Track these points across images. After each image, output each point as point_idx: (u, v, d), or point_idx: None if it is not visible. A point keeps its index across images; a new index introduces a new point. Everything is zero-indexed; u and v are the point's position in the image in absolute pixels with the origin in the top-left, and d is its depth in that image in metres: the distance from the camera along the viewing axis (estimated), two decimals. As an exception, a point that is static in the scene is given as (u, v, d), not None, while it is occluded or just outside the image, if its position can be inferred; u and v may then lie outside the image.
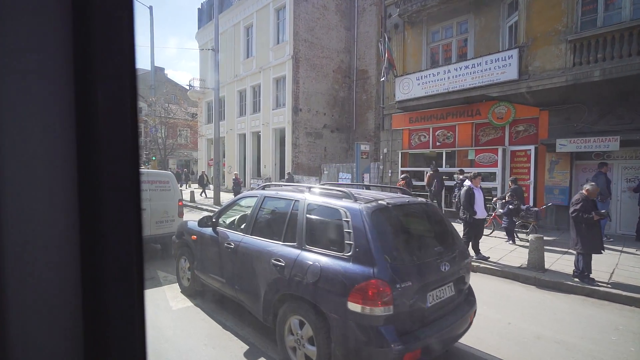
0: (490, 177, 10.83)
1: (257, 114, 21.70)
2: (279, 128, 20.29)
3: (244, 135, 23.04)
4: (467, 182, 7.05)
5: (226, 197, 18.54)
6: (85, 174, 0.60)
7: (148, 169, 35.12)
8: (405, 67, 13.36)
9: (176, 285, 5.30)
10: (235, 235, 4.05)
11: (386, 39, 12.69)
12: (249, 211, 4.25)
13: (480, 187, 7.13)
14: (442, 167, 12.01)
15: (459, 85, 10.89)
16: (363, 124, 21.66)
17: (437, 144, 12.70)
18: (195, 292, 4.90)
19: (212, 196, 16.93)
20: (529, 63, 9.57)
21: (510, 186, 8.85)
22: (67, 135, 0.59)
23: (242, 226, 4.14)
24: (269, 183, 4.58)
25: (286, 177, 17.74)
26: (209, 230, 4.48)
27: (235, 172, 17.62)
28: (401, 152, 13.54)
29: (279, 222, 3.70)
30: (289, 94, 19.17)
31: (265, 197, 4.02)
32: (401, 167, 13.49)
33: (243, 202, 4.61)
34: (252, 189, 19.01)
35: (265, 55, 20.78)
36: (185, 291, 5.05)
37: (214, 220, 4.49)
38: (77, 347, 0.60)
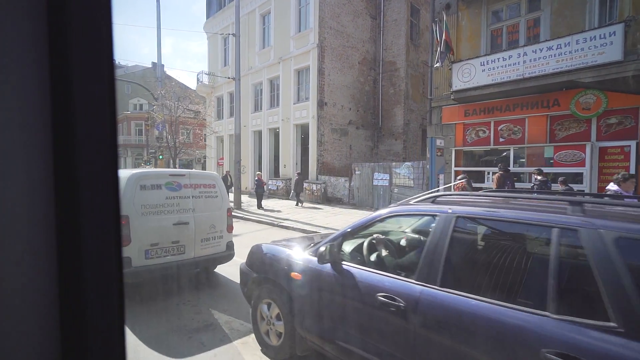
0: (577, 178, 9.18)
1: (275, 109, 19.95)
2: (301, 124, 18.56)
3: (260, 132, 21.27)
4: (613, 186, 5.35)
5: (246, 200, 16.76)
6: (62, 170, 0.59)
7: (147, 168, 33.11)
8: (460, 54, 11.68)
9: (252, 340, 3.57)
10: (399, 285, 2.31)
11: (444, 17, 11.00)
12: (406, 238, 2.53)
13: (634, 193, 5.46)
14: (509, 166, 10.35)
15: (538, 71, 9.22)
16: (390, 120, 19.98)
17: (501, 140, 11.04)
18: (292, 358, 3.16)
19: (232, 199, 15.19)
20: (637, 41, 7.93)
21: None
22: (42, 131, 0.58)
23: (410, 267, 2.40)
24: (442, 193, 2.74)
25: (295, 177, 15.83)
26: (328, 268, 2.74)
27: (259, 173, 15.82)
28: (454, 150, 11.87)
29: (532, 270, 1.99)
30: (313, 86, 17.44)
31: (458, 217, 2.26)
32: (455, 166, 11.82)
33: (391, 223, 2.87)
34: (269, 190, 18.72)
35: (285, 44, 19.04)
36: (272, 354, 3.30)
37: (336, 250, 2.73)
38: (55, 348, 0.60)
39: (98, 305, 0.63)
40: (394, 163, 14.65)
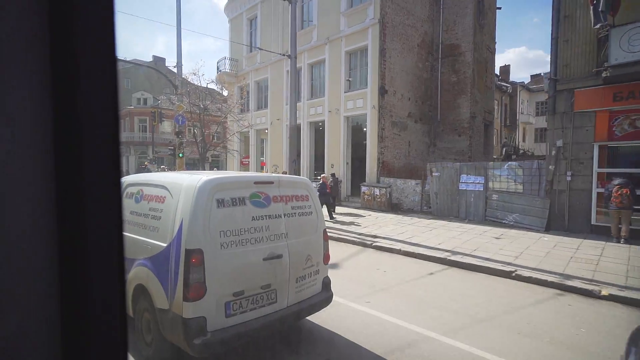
0: None
1: (319, 99, 17.01)
2: (354, 116, 15.66)
3: (298, 126, 18.27)
4: None
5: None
6: (63, 169, 0.59)
7: (165, 170, 29.98)
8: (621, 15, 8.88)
9: None
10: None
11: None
12: None
13: None
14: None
15: None
16: (451, 113, 17.17)
17: (674, 132, 8.28)
18: None
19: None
20: None
21: None
22: (44, 129, 0.57)
23: None
24: None
25: (330, 179, 13.04)
26: None
27: (324, 175, 12.63)
28: (597, 145, 9.06)
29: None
30: (373, 70, 14.54)
31: None
32: (598, 167, 9.03)
33: None
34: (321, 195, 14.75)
35: (333, 22, 16.11)
36: None
37: None
38: (55, 345, 0.59)
39: (100, 305, 0.62)
40: (490, 163, 11.82)
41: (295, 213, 3.46)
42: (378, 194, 13.80)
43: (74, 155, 0.58)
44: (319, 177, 14.75)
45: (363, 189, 14.31)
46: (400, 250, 7.65)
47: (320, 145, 17.82)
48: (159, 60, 55.27)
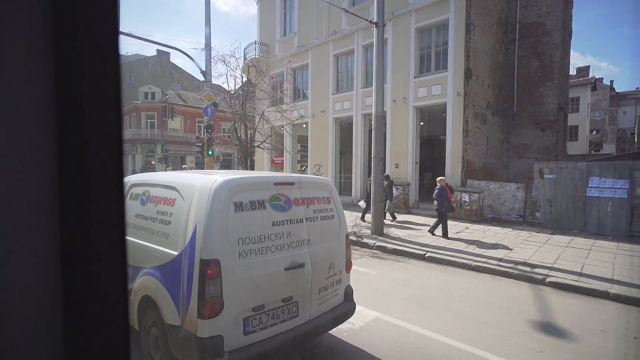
0: None
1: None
2: (427, 106, 13.05)
3: (350, 118, 15.64)
4: None
5: (355, 219, 11.07)
6: (66, 168, 0.59)
7: (185, 168, 27.35)
8: None
9: None
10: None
11: None
12: None
13: None
14: None
15: None
16: (531, 104, 14.62)
17: None
18: None
19: (369, 220, 9.63)
20: None
21: None
22: (47, 129, 0.57)
23: None
24: None
25: (385, 183, 10.60)
26: None
27: (442, 178, 9.57)
28: None
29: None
30: (456, 49, 11.93)
31: None
32: None
33: None
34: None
35: (397, -6, 13.49)
36: None
37: None
38: (58, 350, 0.59)
39: (102, 304, 0.62)
40: (638, 162, 9.26)
41: (317, 217, 3.19)
42: (468, 200, 11.21)
43: (76, 155, 0.59)
44: (385, 183, 12.13)
45: (463, 196, 11.72)
46: (608, 293, 5.05)
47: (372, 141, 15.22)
48: (163, 54, 52.65)
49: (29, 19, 0.53)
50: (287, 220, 2.89)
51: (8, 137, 0.52)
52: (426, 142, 13.60)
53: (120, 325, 0.63)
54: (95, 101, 0.59)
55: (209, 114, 15.89)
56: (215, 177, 2.62)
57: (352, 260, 3.69)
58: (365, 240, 8.57)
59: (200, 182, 2.65)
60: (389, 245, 7.98)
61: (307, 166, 18.60)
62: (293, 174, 3.76)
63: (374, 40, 9.31)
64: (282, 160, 19.14)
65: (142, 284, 2.87)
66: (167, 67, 52.41)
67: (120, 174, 0.62)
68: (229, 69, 13.73)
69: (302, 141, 19.11)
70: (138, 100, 35.08)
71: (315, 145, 16.84)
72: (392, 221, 11.10)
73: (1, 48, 0.51)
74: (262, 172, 3.84)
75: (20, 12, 0.53)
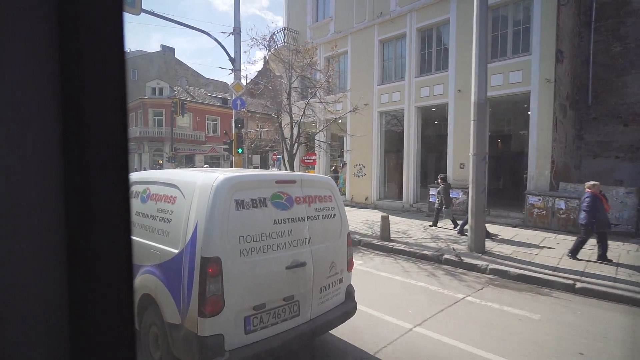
0: None
1: (438, 75, 12.48)
2: (503, 96, 11.14)
3: (400, 112, 13.73)
4: None
5: (402, 226, 9.19)
6: (71, 167, 0.58)
7: (208, 165, 25.38)
8: None
9: None
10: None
11: None
12: None
13: None
14: None
15: None
16: (611, 95, 12.75)
17: None
18: None
19: (467, 235, 7.79)
20: None
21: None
22: (52, 130, 0.57)
23: None
24: None
25: (441, 187, 9.62)
26: None
27: (593, 183, 7.37)
28: None
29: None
30: (544, 28, 10.02)
31: None
32: None
33: None
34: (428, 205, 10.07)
35: (464, -33, 11.57)
36: None
37: None
38: (64, 350, 0.59)
39: (108, 304, 0.62)
40: None
41: (318, 216, 3.19)
42: (563, 207, 9.34)
43: (80, 154, 0.59)
44: (437, 182, 10.24)
45: (531, 199, 9.84)
46: None
47: (432, 139, 13.37)
48: (167, 50, 50.75)
49: (33, 17, 0.53)
50: (288, 219, 2.89)
51: (11, 136, 0.52)
52: (498, 139, 11.71)
53: (126, 326, 0.63)
54: (100, 100, 0.59)
55: (239, 106, 13.95)
56: (216, 175, 2.63)
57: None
58: (468, 260, 6.69)
59: (202, 180, 2.65)
60: (511, 270, 6.09)
61: (339, 166, 16.67)
62: (296, 173, 3.71)
63: (475, 6, 7.43)
64: (314, 160, 17.22)
65: (142, 282, 2.83)
66: (171, 63, 50.58)
67: (125, 173, 0.62)
68: (268, 51, 11.55)
69: (334, 139, 17.22)
70: (145, 96, 33.10)
71: (356, 142, 14.91)
72: (454, 229, 9.39)
73: (5, 47, 0.51)
74: (266, 171, 3.56)
75: (24, 11, 0.52)
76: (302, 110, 10.82)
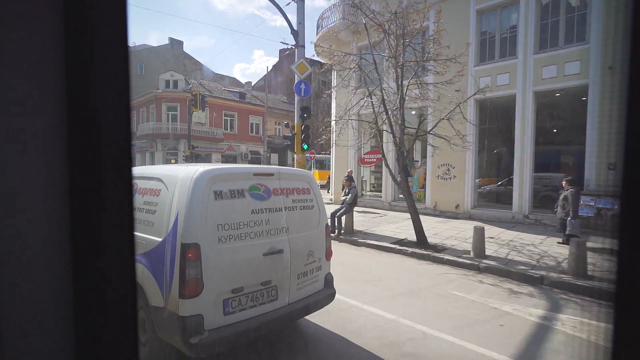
0: None
1: (568, 49, 9.80)
2: None
3: (509, 99, 11.02)
4: None
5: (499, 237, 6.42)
6: (76, 166, 0.59)
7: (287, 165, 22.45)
8: None
9: None
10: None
11: None
12: None
13: None
14: None
15: None
16: None
17: None
18: None
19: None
20: None
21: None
22: (57, 125, 0.57)
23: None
24: None
25: (569, 191, 8.49)
26: None
27: None
28: None
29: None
30: None
31: None
32: None
33: None
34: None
35: None
36: None
37: None
38: (69, 346, 0.60)
39: (112, 303, 0.62)
40: None
41: (296, 207, 3.38)
42: None
43: (85, 153, 0.59)
44: (567, 190, 7.57)
45: None
46: None
47: (553, 130, 10.67)
48: (175, 43, 47.84)
49: (40, 16, 0.54)
50: (266, 209, 3.07)
51: (15, 134, 0.52)
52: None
53: (130, 323, 0.64)
54: (104, 99, 0.60)
55: (303, 92, 11.11)
56: (197, 168, 2.80)
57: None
58: None
59: (183, 173, 2.82)
60: None
61: (413, 165, 13.94)
62: (274, 167, 3.93)
63: None
64: (378, 158, 14.50)
65: None
66: (180, 57, 47.61)
67: (129, 172, 0.63)
68: (365, 18, 8.62)
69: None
70: (159, 89, 30.23)
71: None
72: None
73: (9, 45, 0.51)
74: (252, 166, 3.78)
75: (32, 11, 0.53)
76: (403, 90, 8.01)
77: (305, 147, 10.58)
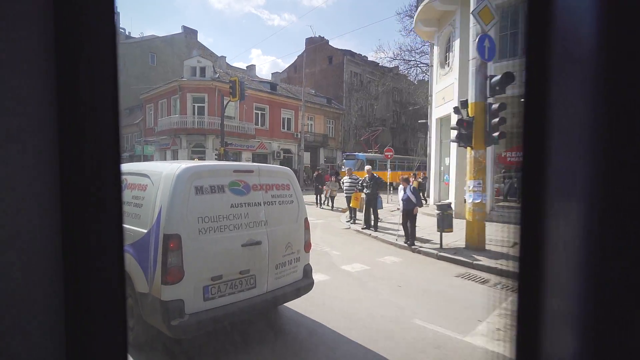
0: None
1: None
2: None
3: None
4: None
5: None
6: (67, 166, 0.60)
7: (319, 172, 19.71)
8: None
9: None
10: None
11: None
12: None
13: None
14: None
15: None
16: None
17: None
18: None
19: None
20: None
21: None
22: (48, 126, 0.58)
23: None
24: None
25: None
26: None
27: None
28: None
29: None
30: None
31: None
32: None
33: None
34: None
35: None
36: None
37: None
38: (60, 345, 0.60)
39: (102, 302, 0.63)
40: None
41: (275, 201, 3.55)
42: None
43: (76, 154, 0.59)
44: None
45: None
46: None
47: None
48: (189, 32, 44.24)
49: (31, 18, 0.54)
50: (245, 203, 3.27)
51: (9, 135, 0.52)
52: None
53: (120, 321, 0.65)
54: (94, 99, 0.60)
55: (486, 53, 7.66)
56: (179, 165, 3.02)
57: None
58: None
59: (167, 170, 3.01)
60: None
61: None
62: (254, 164, 4.20)
63: None
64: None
65: None
66: (194, 47, 43.90)
67: (117, 173, 0.63)
68: None
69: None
70: (183, 77, 26.52)
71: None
72: None
73: (4, 48, 0.51)
74: (232, 163, 3.97)
75: (22, 12, 0.53)
76: None
77: (496, 140, 7.05)
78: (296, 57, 41.15)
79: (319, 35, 42.58)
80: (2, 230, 0.52)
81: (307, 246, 3.85)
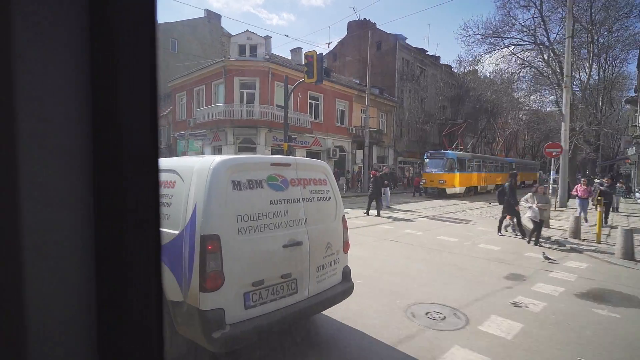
0: None
1: None
2: None
3: None
4: None
5: None
6: (101, 167, 0.58)
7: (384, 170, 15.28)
8: None
9: None
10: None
11: None
12: None
13: None
14: None
15: None
16: None
17: None
18: None
19: None
20: None
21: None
22: (83, 126, 0.56)
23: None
24: None
25: None
26: None
27: None
28: None
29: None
30: None
31: None
32: None
33: None
34: None
35: None
36: None
37: None
38: (92, 346, 0.59)
39: (136, 305, 0.61)
40: None
41: (314, 198, 3.32)
42: None
43: (111, 155, 0.58)
44: None
45: None
46: None
47: None
48: (213, 17, 39.80)
49: (66, 16, 0.53)
50: (284, 200, 3.00)
51: (41, 135, 0.52)
52: None
53: (156, 327, 0.62)
54: (130, 98, 0.58)
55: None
56: (213, 158, 2.74)
57: None
58: None
59: (199, 164, 2.75)
60: None
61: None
62: (290, 157, 3.75)
63: None
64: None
65: None
66: (217, 33, 39.44)
67: (155, 173, 0.61)
68: None
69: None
70: (229, 57, 21.87)
71: None
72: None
73: (39, 47, 0.51)
74: (268, 156, 3.96)
75: (58, 11, 0.52)
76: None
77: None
78: (336, 44, 36.46)
79: (364, 18, 38.20)
80: (34, 236, 0.51)
81: (346, 246, 3.63)
